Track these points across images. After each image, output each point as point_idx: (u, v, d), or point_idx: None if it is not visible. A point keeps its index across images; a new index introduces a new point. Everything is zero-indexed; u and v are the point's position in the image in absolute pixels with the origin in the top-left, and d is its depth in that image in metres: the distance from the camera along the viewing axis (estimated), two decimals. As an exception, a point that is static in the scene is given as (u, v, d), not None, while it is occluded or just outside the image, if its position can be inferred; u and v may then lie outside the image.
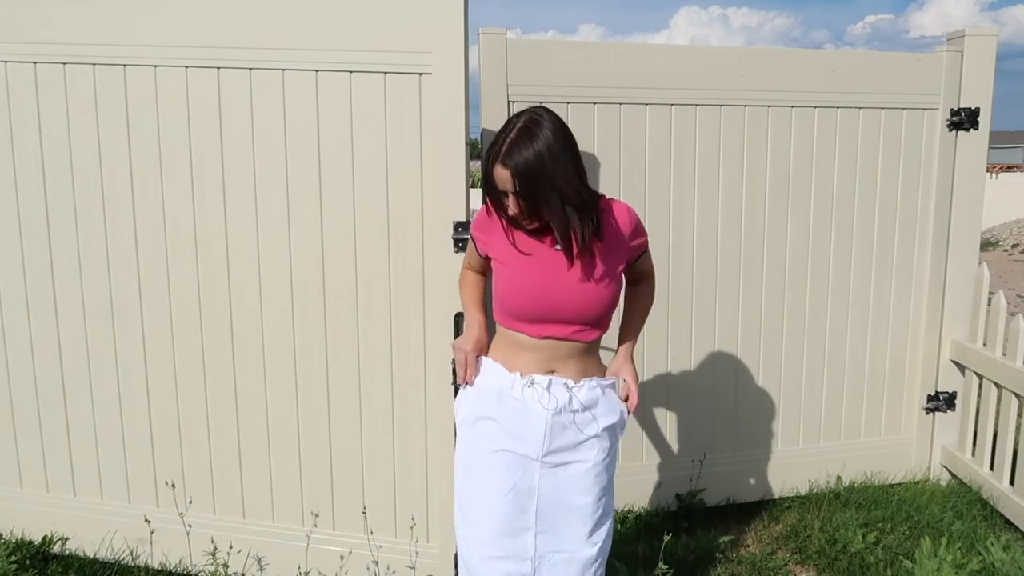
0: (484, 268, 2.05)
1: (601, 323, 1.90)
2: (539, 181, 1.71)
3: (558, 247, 1.82)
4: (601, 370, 2.00)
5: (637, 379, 2.03)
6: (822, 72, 3.14)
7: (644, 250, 2.00)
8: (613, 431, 1.96)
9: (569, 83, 2.89)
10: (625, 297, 2.10)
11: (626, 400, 1.99)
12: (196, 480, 2.77)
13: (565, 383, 1.89)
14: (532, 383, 1.87)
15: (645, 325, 3.06)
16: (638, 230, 1.94)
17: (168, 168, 2.57)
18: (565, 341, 1.87)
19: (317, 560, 2.68)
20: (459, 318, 2.42)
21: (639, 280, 2.10)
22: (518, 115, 1.79)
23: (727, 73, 3.04)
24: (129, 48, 2.51)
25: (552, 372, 1.89)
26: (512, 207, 1.78)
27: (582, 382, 1.90)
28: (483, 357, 2.00)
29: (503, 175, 1.74)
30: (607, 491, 1.95)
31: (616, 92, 2.95)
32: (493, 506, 1.89)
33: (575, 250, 1.80)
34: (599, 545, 1.93)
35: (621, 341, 2.09)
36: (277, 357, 2.65)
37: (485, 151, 1.85)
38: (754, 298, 3.24)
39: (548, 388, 1.87)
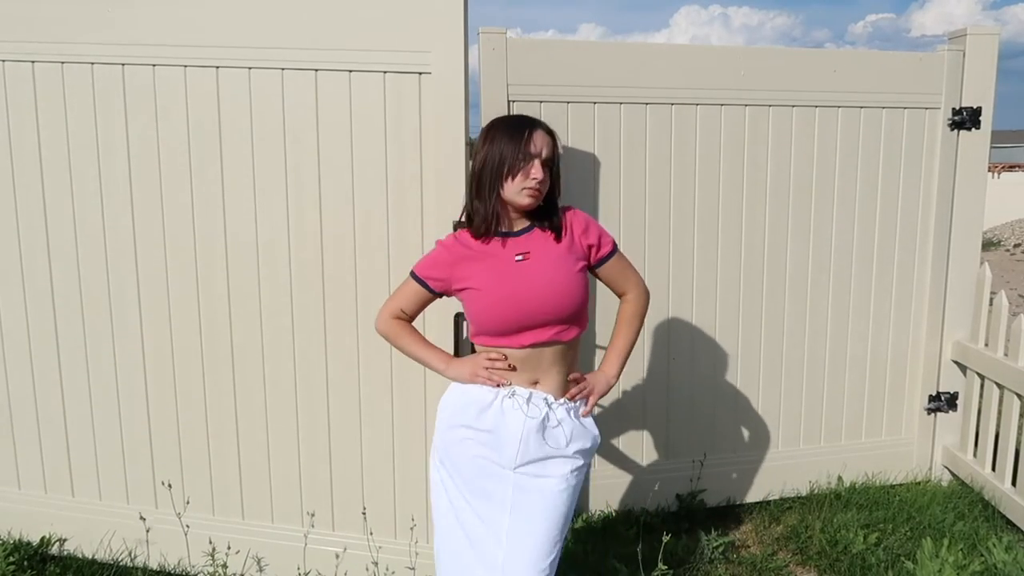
0: (418, 311, 2.06)
1: (576, 319, 1.94)
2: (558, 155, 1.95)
3: (519, 258, 1.90)
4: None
5: (598, 391, 2.02)
6: (823, 71, 3.13)
7: (606, 256, 2.02)
8: (586, 454, 1.99)
9: (569, 83, 2.88)
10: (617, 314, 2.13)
11: (573, 394, 1.98)
12: (195, 481, 2.76)
13: (545, 398, 1.93)
14: (513, 394, 1.91)
15: (645, 325, 3.08)
16: (590, 229, 1.99)
17: (167, 168, 2.57)
18: (548, 346, 1.91)
19: (316, 561, 2.67)
20: (459, 318, 2.41)
21: (621, 294, 2.10)
22: (505, 115, 1.96)
23: (728, 72, 3.03)
24: (127, 47, 2.50)
25: (535, 384, 1.94)
26: (540, 172, 1.85)
27: (561, 400, 1.95)
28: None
29: (545, 139, 1.89)
30: (568, 515, 1.96)
31: (616, 92, 2.94)
32: (468, 511, 1.93)
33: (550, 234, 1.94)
34: (547, 571, 1.94)
35: (604, 359, 2.09)
36: (276, 357, 2.64)
37: (505, 133, 1.89)
38: (755, 297, 3.23)
39: (528, 400, 1.91)
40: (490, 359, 1.93)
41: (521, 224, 1.94)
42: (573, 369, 2.00)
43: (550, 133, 1.92)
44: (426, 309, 2.50)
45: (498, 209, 1.89)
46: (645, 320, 3.04)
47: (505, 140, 1.87)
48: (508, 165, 1.85)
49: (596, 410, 2.05)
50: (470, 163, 1.98)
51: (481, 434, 1.92)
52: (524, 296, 1.87)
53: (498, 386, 1.93)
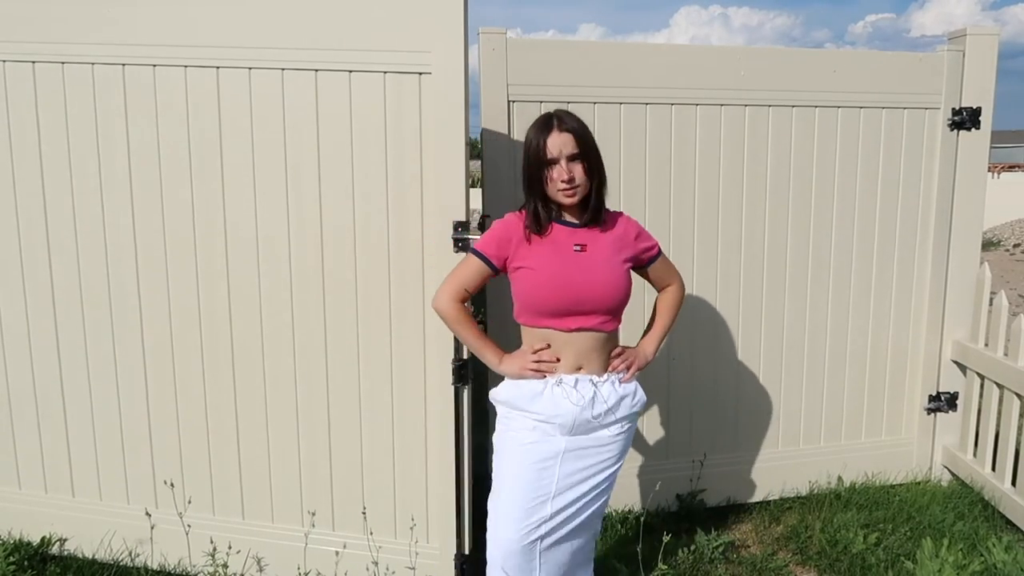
0: (477, 289, 2.14)
1: (619, 313, 2.09)
2: (590, 144, 2.01)
3: (576, 248, 2.02)
4: None
5: (639, 363, 2.17)
6: (823, 72, 3.14)
7: (655, 256, 2.20)
8: (633, 416, 2.15)
9: (569, 83, 2.88)
10: (655, 303, 2.31)
11: (615, 365, 2.12)
12: (195, 481, 2.77)
13: (590, 379, 2.06)
14: (560, 382, 2.04)
15: (645, 324, 3.09)
16: (641, 235, 2.17)
17: (167, 168, 2.57)
18: (592, 332, 2.03)
19: (316, 560, 2.67)
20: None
21: (663, 287, 2.28)
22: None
23: (728, 73, 3.03)
24: (128, 47, 2.50)
25: (580, 369, 2.06)
26: (565, 172, 1.95)
27: (604, 376, 2.09)
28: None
29: (562, 139, 1.96)
30: (619, 462, 2.14)
31: (616, 92, 2.94)
32: (522, 480, 2.03)
33: (589, 217, 2.05)
34: (597, 517, 2.16)
35: (644, 338, 2.26)
36: (277, 357, 2.64)
37: (529, 139, 2.00)
38: (755, 297, 3.23)
39: (575, 386, 2.03)
40: (536, 352, 2.04)
41: (578, 218, 2.06)
42: (611, 359, 2.12)
43: (570, 130, 1.98)
44: (426, 311, 2.52)
45: (545, 206, 2.02)
46: (645, 319, 3.08)
47: (529, 147, 1.99)
48: (536, 173, 1.98)
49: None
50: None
51: (538, 415, 2.04)
52: (578, 282, 1.99)
53: (544, 377, 2.04)
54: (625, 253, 2.09)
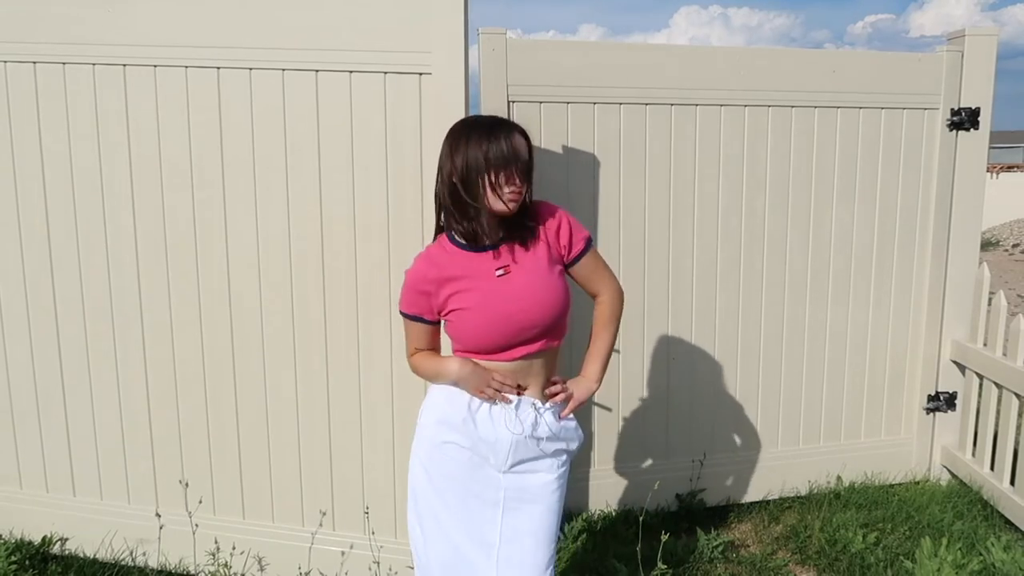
0: (438, 340, 1.94)
1: (561, 328, 1.89)
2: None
3: (499, 272, 1.81)
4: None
5: (578, 397, 1.96)
6: (822, 72, 3.14)
7: (579, 254, 1.92)
8: (571, 454, 1.98)
9: (569, 83, 2.88)
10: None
11: (554, 396, 1.92)
12: (196, 480, 2.77)
13: (533, 403, 1.89)
14: (497, 403, 1.87)
15: (645, 325, 3.10)
16: (563, 228, 1.89)
17: (168, 168, 2.57)
18: (535, 357, 1.87)
19: (318, 560, 2.68)
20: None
21: (594, 294, 2.00)
22: (471, 117, 1.90)
23: (727, 73, 3.04)
24: (128, 48, 2.51)
25: (523, 390, 1.89)
26: (518, 181, 1.76)
27: (548, 405, 1.91)
28: (446, 385, 1.92)
29: (522, 143, 1.80)
30: (560, 513, 1.95)
31: (616, 92, 2.94)
32: (457, 520, 1.88)
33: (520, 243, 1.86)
34: (550, 568, 1.92)
35: (585, 364, 2.02)
36: (277, 357, 2.65)
37: (470, 141, 1.78)
38: (754, 298, 3.23)
39: (516, 410, 1.87)
40: (500, 381, 1.85)
41: (496, 234, 1.84)
42: (555, 369, 1.96)
43: (524, 135, 1.82)
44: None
45: (478, 219, 1.80)
46: (645, 319, 3.09)
47: (483, 145, 1.76)
48: (487, 172, 1.75)
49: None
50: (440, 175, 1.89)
51: (472, 436, 1.87)
52: (513, 312, 1.80)
53: (493, 403, 1.87)
54: (553, 256, 1.87)
